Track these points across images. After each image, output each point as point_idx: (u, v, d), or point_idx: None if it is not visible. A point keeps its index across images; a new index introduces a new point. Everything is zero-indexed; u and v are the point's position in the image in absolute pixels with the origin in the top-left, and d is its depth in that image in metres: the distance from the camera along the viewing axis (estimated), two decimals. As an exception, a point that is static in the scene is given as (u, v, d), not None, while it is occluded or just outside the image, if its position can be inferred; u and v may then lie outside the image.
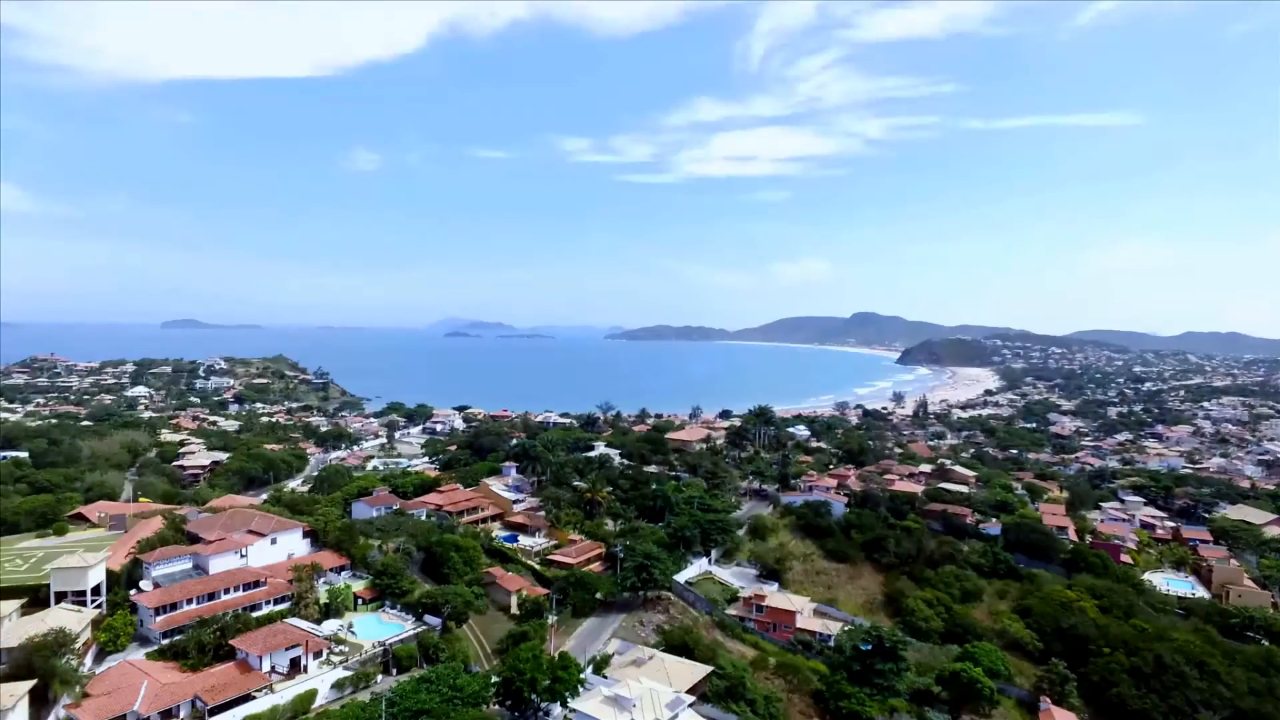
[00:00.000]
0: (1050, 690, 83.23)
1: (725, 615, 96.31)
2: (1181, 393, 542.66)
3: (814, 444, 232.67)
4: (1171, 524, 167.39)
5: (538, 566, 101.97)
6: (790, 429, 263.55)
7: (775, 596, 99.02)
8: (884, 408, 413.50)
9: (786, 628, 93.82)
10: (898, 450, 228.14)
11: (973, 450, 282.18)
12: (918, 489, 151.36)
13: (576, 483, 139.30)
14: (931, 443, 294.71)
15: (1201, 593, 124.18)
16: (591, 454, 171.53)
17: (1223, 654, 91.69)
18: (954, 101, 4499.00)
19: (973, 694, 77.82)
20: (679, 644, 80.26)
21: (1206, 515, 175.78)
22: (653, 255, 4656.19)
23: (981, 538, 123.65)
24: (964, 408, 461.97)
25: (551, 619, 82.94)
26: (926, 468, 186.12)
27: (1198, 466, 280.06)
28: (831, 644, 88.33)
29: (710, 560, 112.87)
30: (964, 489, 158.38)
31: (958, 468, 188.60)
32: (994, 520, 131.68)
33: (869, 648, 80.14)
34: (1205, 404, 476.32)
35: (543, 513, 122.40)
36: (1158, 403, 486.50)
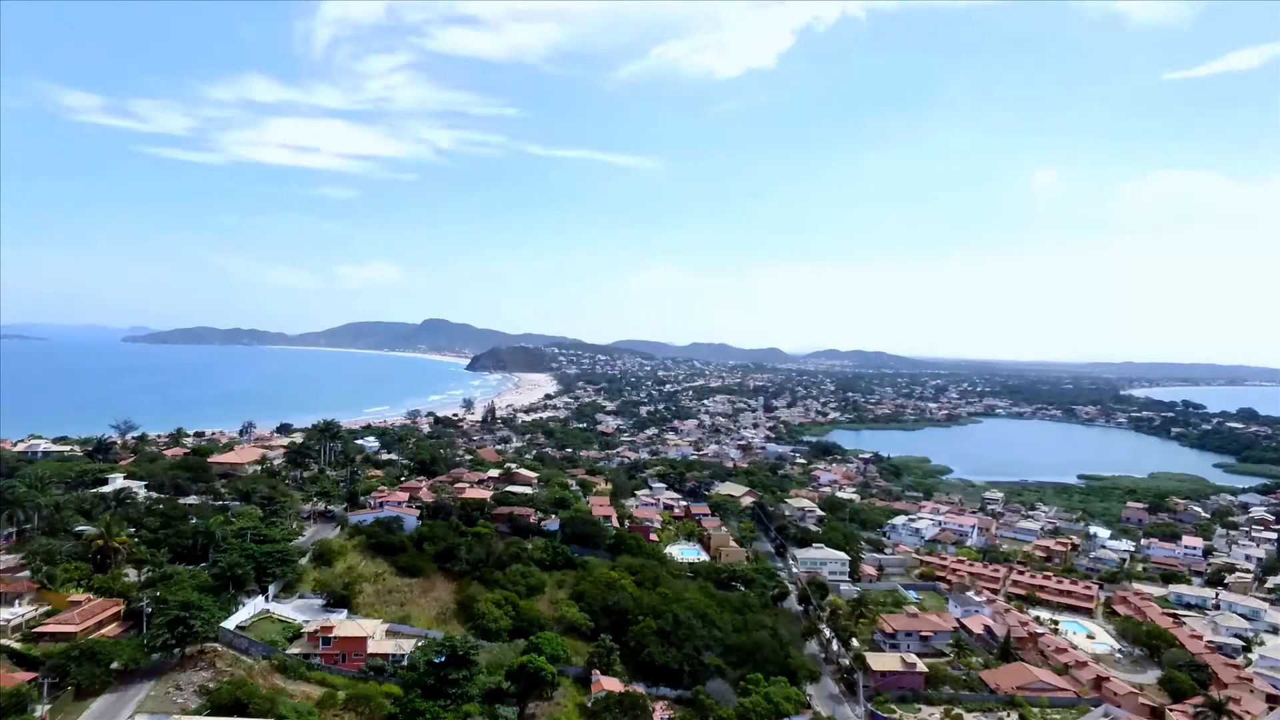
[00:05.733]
0: (600, 663, 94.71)
1: (287, 656, 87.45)
2: (690, 393, 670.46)
3: (385, 456, 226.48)
4: (684, 503, 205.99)
5: (17, 645, 78.84)
6: (360, 441, 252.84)
7: (344, 625, 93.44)
8: (455, 414, 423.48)
9: (357, 656, 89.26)
10: (468, 457, 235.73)
11: (535, 452, 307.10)
12: (487, 494, 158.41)
13: (82, 528, 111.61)
14: (499, 447, 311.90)
15: (705, 557, 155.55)
16: (105, 489, 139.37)
17: (717, 604, 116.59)
18: (517, 125, 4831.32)
19: (538, 681, 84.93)
20: (229, 702, 70.27)
21: (706, 493, 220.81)
22: (191, 245, 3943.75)
23: (543, 534, 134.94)
24: (527, 411, 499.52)
25: (42, 710, 65.06)
26: (495, 472, 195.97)
27: (700, 453, 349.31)
28: (405, 663, 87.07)
29: (268, 597, 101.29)
30: (528, 490, 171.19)
31: (523, 470, 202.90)
32: (554, 516, 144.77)
33: (442, 659, 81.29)
34: (705, 401, 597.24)
35: (27, 572, 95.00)
36: (674, 402, 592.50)
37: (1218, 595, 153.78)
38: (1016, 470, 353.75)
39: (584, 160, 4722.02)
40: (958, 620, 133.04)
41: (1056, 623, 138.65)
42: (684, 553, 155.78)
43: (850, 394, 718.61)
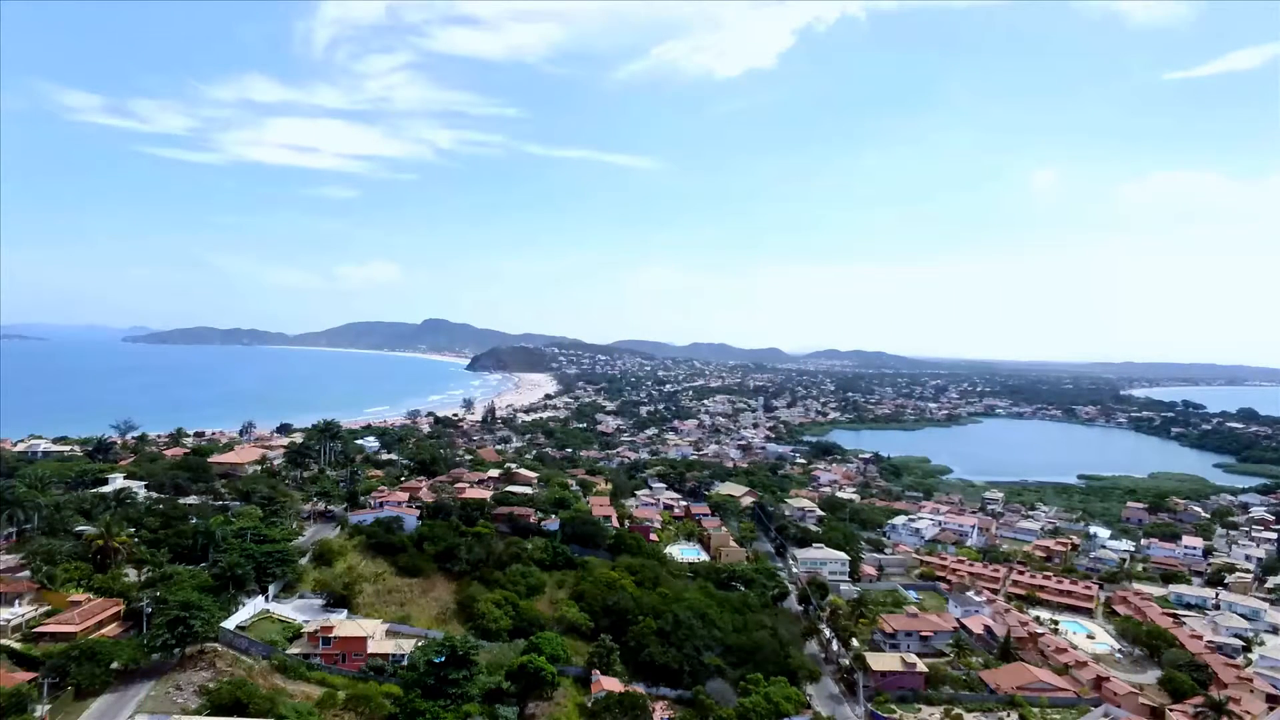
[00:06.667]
0: (600, 663, 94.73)
1: (286, 656, 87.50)
2: (690, 393, 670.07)
3: (385, 456, 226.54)
4: (684, 503, 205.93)
5: (17, 645, 78.91)
6: (360, 441, 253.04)
7: (344, 625, 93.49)
8: (455, 414, 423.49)
9: (357, 656, 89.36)
10: (468, 457, 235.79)
11: (535, 452, 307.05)
12: (487, 494, 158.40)
13: (82, 528, 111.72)
14: (499, 447, 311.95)
15: (705, 557, 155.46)
16: (105, 489, 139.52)
17: (717, 604, 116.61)
18: (517, 125, 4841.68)
19: (538, 681, 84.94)
20: (229, 702, 70.32)
21: (706, 493, 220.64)
22: (191, 245, 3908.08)
23: (543, 534, 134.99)
24: (527, 411, 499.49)
25: (42, 710, 65.11)
26: (495, 472, 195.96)
27: (700, 453, 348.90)
28: (405, 663, 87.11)
29: (268, 597, 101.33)
30: (528, 490, 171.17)
31: (523, 470, 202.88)
32: (554, 516, 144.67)
33: (442, 659, 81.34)
34: (705, 401, 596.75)
35: (27, 572, 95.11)
36: (674, 402, 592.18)
37: (1218, 595, 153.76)
38: (1016, 470, 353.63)
39: (584, 160, 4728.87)
40: (958, 620, 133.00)
41: (1056, 623, 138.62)
42: (684, 553, 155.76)
43: (850, 394, 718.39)
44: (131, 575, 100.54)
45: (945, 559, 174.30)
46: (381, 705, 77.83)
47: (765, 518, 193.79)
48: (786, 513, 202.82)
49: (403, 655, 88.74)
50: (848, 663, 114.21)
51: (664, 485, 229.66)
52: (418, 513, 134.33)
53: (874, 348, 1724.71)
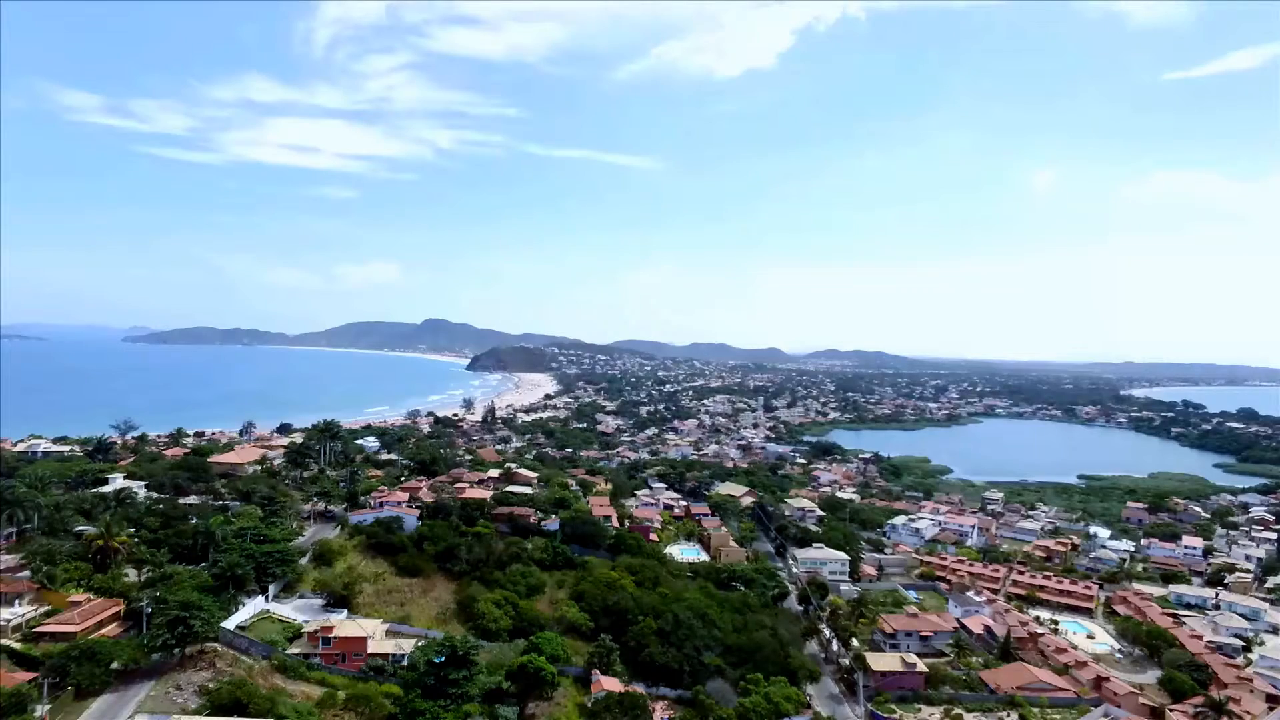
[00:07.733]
0: (600, 663, 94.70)
1: (286, 656, 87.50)
2: (690, 393, 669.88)
3: (385, 456, 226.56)
4: (684, 503, 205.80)
5: (17, 645, 78.90)
6: (360, 441, 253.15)
7: (344, 625, 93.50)
8: (455, 414, 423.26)
9: (357, 656, 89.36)
10: (468, 457, 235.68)
11: (535, 452, 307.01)
12: (487, 494, 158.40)
13: (82, 528, 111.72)
14: (499, 447, 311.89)
15: (705, 557, 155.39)
16: (105, 489, 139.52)
17: (717, 604, 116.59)
18: (517, 125, 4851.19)
19: (538, 681, 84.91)
20: (229, 702, 70.26)
21: (706, 493, 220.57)
22: (191, 245, 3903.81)
23: (543, 534, 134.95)
24: (527, 411, 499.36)
25: (42, 710, 65.06)
26: (495, 472, 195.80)
27: (700, 453, 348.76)
28: (405, 663, 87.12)
29: (268, 597, 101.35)
30: (528, 490, 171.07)
31: (523, 470, 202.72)
32: (554, 516, 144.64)
33: (442, 659, 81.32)
34: (705, 401, 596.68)
35: (27, 572, 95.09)
36: (674, 402, 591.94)
37: (1218, 595, 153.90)
38: (1016, 470, 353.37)
39: (584, 160, 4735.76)
40: (958, 620, 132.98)
41: (1056, 623, 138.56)
42: (684, 553, 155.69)
43: (850, 394, 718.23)
44: (131, 575, 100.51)
45: (945, 559, 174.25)
46: (381, 705, 77.79)
47: (765, 518, 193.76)
48: (786, 513, 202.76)
49: (403, 655, 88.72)
50: (848, 663, 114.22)
51: (664, 485, 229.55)
52: (418, 513, 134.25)
53: (874, 348, 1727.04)
